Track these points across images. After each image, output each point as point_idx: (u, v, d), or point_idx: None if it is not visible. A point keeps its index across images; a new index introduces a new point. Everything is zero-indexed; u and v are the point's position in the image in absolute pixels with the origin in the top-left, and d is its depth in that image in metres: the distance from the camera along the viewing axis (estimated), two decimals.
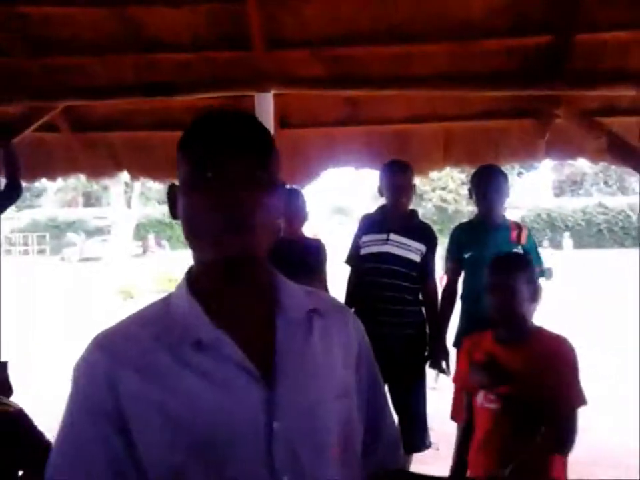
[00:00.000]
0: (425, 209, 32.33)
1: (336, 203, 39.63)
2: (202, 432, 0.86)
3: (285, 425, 0.90)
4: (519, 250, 3.40)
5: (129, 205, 29.81)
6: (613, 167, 8.72)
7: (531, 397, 2.03)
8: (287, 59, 3.88)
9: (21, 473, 2.46)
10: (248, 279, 0.95)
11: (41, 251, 34.34)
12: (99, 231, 33.90)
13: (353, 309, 3.55)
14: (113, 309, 10.64)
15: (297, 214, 3.54)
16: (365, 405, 1.06)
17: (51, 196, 43.40)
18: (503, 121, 4.21)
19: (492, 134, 4.24)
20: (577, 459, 4.03)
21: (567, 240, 23.02)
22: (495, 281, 2.21)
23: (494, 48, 3.77)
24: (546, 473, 2.07)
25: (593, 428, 4.73)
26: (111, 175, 4.88)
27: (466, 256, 3.45)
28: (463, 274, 3.53)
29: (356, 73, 3.86)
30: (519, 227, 3.52)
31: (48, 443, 2.51)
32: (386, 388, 3.70)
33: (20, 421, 2.46)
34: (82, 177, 5.63)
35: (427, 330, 3.49)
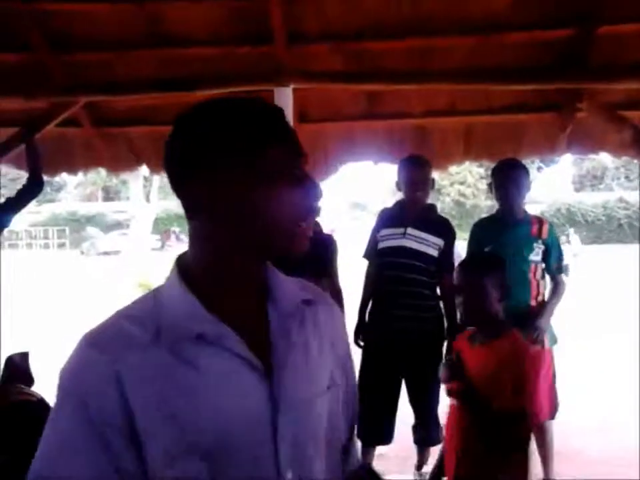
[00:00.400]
0: (443, 203, 32.17)
1: (354, 197, 39.57)
2: (207, 427, 0.84)
3: (288, 419, 0.89)
4: (539, 245, 3.38)
5: (147, 199, 29.98)
6: (635, 161, 8.61)
7: (478, 396, 2.07)
8: (307, 54, 3.88)
9: None
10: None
11: (61, 245, 34.71)
12: (118, 225, 34.18)
13: (370, 303, 3.56)
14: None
15: None
16: (350, 400, 1.07)
17: (71, 190, 43.83)
18: (524, 115, 4.17)
19: (512, 128, 4.20)
20: (591, 457, 4.04)
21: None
22: (464, 281, 2.25)
23: (515, 41, 3.73)
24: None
25: (607, 427, 4.70)
26: (131, 169, 4.91)
27: (486, 250, 3.43)
28: None
29: (376, 67, 3.84)
30: (540, 221, 3.49)
31: None
32: (402, 382, 3.69)
33: (42, 411, 2.50)
34: (102, 172, 5.67)
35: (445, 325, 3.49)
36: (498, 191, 3.43)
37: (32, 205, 4.65)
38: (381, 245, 3.50)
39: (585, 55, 3.63)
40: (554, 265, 3.45)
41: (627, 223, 31.56)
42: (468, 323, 2.27)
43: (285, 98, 3.71)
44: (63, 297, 13.90)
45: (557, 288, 3.49)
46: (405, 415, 3.59)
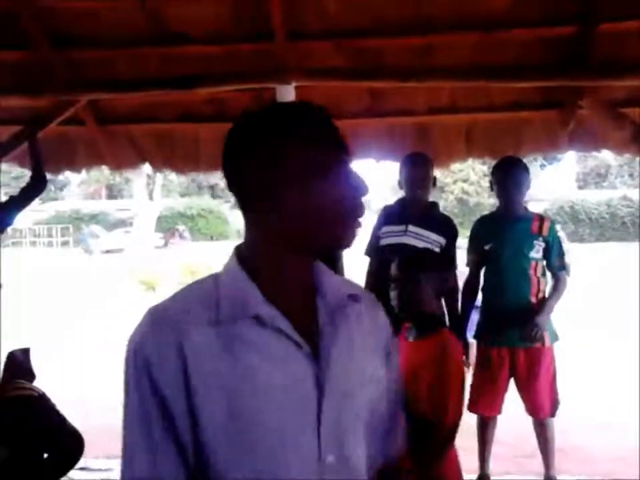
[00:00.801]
0: (446, 201, 32.14)
1: None
2: (258, 404, 0.88)
3: (332, 404, 0.93)
4: (540, 242, 3.38)
5: (151, 197, 30.03)
6: (638, 158, 8.58)
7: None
8: (309, 51, 3.88)
9: (45, 455, 2.52)
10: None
11: (65, 243, 34.78)
12: (122, 223, 34.22)
13: None
14: (135, 300, 10.76)
15: None
16: (390, 395, 1.08)
17: (74, 188, 43.94)
18: (526, 112, 4.16)
19: (514, 125, 4.19)
20: (591, 455, 4.04)
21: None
22: (398, 277, 2.24)
23: (517, 39, 3.73)
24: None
25: (612, 425, 4.70)
26: (134, 167, 4.92)
27: (486, 248, 3.44)
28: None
29: (377, 65, 3.84)
30: (541, 218, 3.50)
31: (70, 428, 2.58)
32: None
33: (43, 406, 2.52)
34: (105, 170, 5.69)
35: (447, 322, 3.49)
36: (498, 189, 3.44)
37: (35, 203, 4.66)
38: (382, 242, 3.51)
39: (586, 52, 3.63)
40: (555, 262, 3.46)
41: (630, 221, 31.44)
42: (401, 316, 2.25)
43: (287, 95, 3.71)
44: (66, 295, 13.94)
45: (557, 285, 3.49)
46: None
